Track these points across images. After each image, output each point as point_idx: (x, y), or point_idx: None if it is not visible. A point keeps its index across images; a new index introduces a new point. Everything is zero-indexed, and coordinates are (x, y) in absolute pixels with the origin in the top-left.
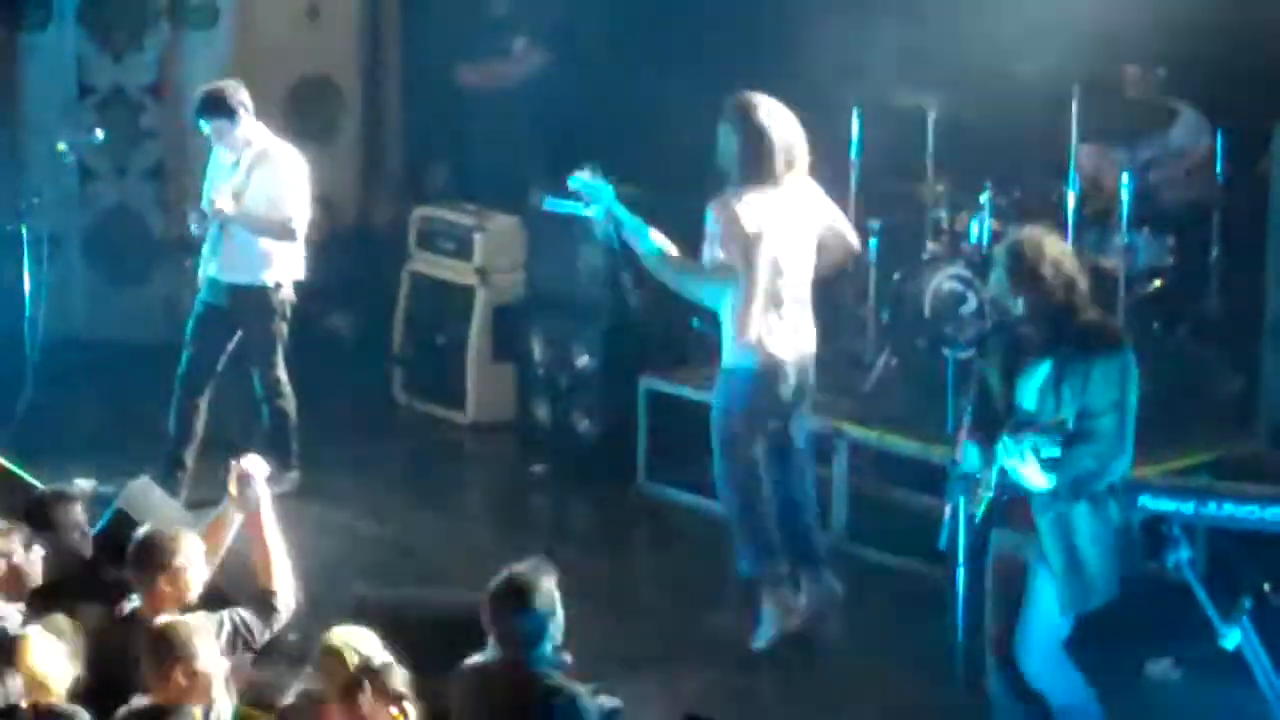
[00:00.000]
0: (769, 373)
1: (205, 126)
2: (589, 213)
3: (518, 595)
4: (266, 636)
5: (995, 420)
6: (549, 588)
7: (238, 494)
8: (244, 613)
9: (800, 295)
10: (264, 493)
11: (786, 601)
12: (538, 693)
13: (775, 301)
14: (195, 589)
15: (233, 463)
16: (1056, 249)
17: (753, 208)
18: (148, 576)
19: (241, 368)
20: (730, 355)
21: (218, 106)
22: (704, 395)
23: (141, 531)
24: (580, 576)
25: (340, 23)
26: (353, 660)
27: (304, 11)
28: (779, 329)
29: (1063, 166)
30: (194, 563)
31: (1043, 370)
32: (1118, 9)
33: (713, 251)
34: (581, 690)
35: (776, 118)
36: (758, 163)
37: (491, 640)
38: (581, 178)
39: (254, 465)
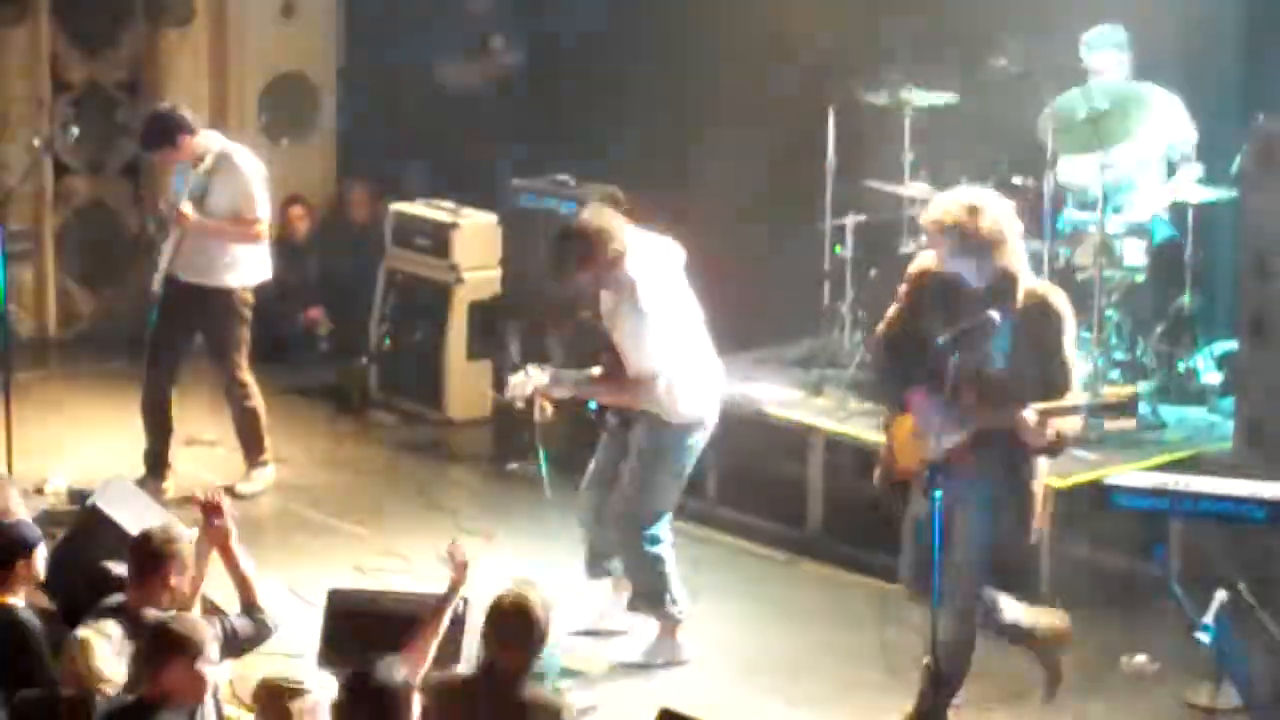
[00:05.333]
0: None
1: (153, 157)
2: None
3: (525, 612)
4: (256, 645)
5: None
6: (550, 605)
7: (208, 528)
8: (236, 620)
9: None
10: (231, 525)
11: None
12: (527, 706)
13: None
14: (192, 587)
15: (199, 496)
16: None
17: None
18: (147, 570)
19: (210, 363)
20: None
21: (156, 138)
22: None
23: (143, 527)
24: (559, 576)
25: (316, 19)
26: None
27: (280, 8)
28: None
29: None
30: (192, 561)
31: None
32: None
33: None
34: (569, 703)
35: None
36: None
37: (483, 649)
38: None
39: (218, 498)
